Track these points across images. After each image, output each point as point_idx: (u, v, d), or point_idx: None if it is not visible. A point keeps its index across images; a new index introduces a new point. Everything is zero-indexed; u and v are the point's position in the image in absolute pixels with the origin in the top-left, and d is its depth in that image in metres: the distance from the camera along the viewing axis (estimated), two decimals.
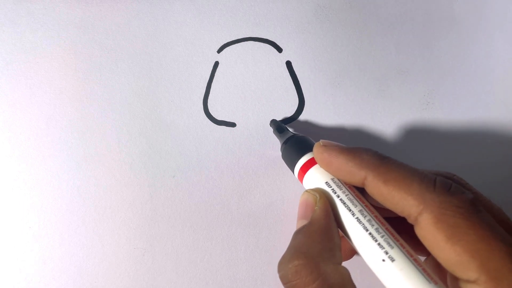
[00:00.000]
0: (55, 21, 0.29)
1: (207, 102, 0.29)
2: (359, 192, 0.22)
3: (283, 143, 0.26)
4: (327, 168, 0.22)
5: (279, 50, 0.30)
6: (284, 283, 0.20)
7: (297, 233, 0.21)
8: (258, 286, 0.28)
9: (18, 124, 0.29)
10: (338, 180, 0.22)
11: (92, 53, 0.29)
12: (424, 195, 0.18)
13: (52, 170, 0.28)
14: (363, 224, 0.21)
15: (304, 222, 0.22)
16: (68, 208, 0.28)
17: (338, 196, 0.22)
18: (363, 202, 0.21)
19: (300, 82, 0.29)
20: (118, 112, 0.29)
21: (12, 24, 0.29)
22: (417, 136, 0.29)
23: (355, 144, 0.29)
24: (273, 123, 0.28)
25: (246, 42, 0.30)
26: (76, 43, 0.29)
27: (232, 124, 0.29)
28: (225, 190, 0.29)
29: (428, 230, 0.18)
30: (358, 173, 0.21)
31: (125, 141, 0.29)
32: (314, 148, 0.23)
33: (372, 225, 0.20)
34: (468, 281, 0.17)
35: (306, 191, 0.23)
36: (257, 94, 0.29)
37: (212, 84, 0.29)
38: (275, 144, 0.29)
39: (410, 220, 0.19)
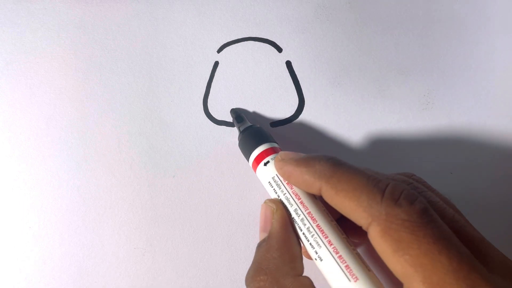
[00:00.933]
0: (55, 21, 0.29)
1: (207, 102, 0.29)
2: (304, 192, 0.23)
3: (240, 133, 0.27)
4: (289, 180, 0.23)
5: (279, 50, 0.30)
6: None
7: (258, 247, 0.22)
8: None
9: (18, 124, 0.29)
10: (279, 179, 0.23)
11: (92, 53, 0.29)
12: (372, 208, 0.18)
13: (52, 170, 0.28)
14: (298, 223, 0.22)
15: (264, 235, 0.22)
16: (68, 208, 0.28)
17: (278, 196, 0.23)
18: (299, 199, 0.22)
19: (300, 82, 0.29)
20: (118, 112, 0.29)
21: (12, 24, 0.29)
22: (417, 136, 0.29)
23: (355, 144, 0.29)
24: (233, 112, 0.28)
25: (246, 42, 0.30)
26: (76, 43, 0.29)
27: (232, 124, 0.29)
28: (225, 190, 0.29)
29: (376, 241, 0.18)
30: (313, 185, 0.21)
31: (125, 141, 0.29)
32: (275, 163, 0.23)
33: (305, 224, 0.21)
34: None
35: (265, 202, 0.23)
36: (257, 94, 0.29)
37: (212, 84, 0.29)
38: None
39: (364, 229, 0.19)
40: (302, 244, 0.22)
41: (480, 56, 0.30)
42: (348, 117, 0.29)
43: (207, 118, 0.29)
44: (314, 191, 0.21)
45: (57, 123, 0.29)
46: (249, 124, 0.27)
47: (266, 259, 0.21)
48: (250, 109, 0.29)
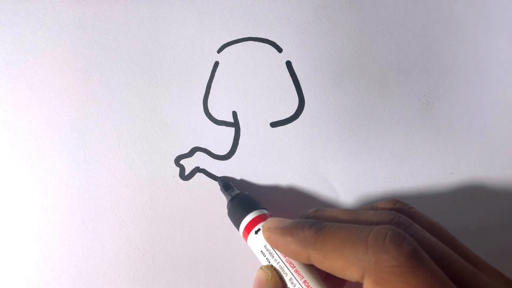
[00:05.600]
0: (55, 21, 0.29)
1: (207, 102, 0.29)
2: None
3: (229, 202, 0.27)
4: (277, 250, 0.23)
5: (279, 50, 0.30)
6: None
7: None
8: None
9: (18, 124, 0.29)
10: (271, 247, 0.23)
11: (92, 53, 0.29)
12: (360, 260, 0.18)
13: (52, 170, 0.28)
14: None
15: None
16: (68, 208, 0.28)
17: (272, 265, 0.23)
18: (293, 268, 0.22)
19: (300, 82, 0.29)
20: (118, 112, 0.29)
21: (12, 24, 0.29)
22: (417, 136, 0.29)
23: (355, 145, 0.29)
24: (220, 180, 0.28)
25: (246, 42, 0.30)
26: (76, 43, 0.29)
27: (232, 124, 0.29)
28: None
29: None
30: (301, 253, 0.21)
31: (125, 141, 0.29)
32: (263, 232, 0.23)
33: None
34: None
35: (261, 268, 0.23)
36: (257, 94, 0.29)
37: (212, 84, 0.29)
38: (274, 144, 0.29)
39: (361, 283, 0.19)
40: None
41: (480, 56, 0.30)
42: (348, 117, 0.29)
43: (207, 118, 0.29)
44: (303, 259, 0.21)
45: (57, 123, 0.29)
46: (237, 191, 0.27)
47: None
48: (250, 109, 0.29)
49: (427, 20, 0.30)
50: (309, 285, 0.21)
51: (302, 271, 0.22)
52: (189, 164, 0.29)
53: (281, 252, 0.22)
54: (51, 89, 0.29)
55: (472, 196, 0.29)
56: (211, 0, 0.30)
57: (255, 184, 0.29)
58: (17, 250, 0.28)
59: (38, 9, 0.29)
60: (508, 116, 0.30)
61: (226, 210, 0.27)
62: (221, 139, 0.29)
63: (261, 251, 0.23)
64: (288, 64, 0.30)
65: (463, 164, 0.30)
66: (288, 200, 0.29)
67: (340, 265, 0.19)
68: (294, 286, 0.22)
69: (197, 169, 0.29)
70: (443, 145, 0.30)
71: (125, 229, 0.28)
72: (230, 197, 0.27)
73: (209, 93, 0.29)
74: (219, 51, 0.29)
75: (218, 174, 0.29)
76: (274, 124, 0.29)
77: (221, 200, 0.28)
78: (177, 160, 0.29)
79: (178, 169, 0.29)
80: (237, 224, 0.26)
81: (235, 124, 0.29)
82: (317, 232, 0.20)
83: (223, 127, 0.29)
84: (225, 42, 0.29)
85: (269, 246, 0.23)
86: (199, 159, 0.29)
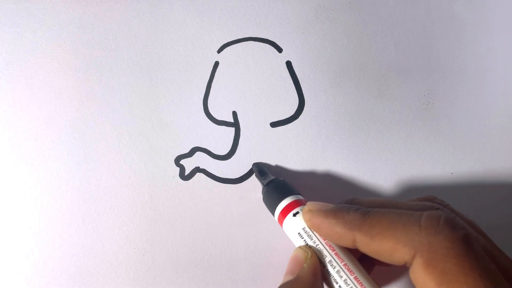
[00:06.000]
0: (55, 21, 0.29)
1: (207, 102, 0.29)
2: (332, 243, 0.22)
3: (264, 186, 0.27)
4: (318, 232, 0.22)
5: (279, 50, 0.30)
6: None
7: (282, 287, 0.22)
8: (258, 286, 0.28)
9: (18, 124, 0.29)
10: (310, 229, 0.23)
11: (92, 53, 0.29)
12: (412, 240, 0.18)
13: (52, 170, 0.28)
14: (333, 275, 0.21)
15: (290, 277, 0.22)
16: (68, 208, 0.28)
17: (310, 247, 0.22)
18: (333, 250, 0.22)
19: (300, 82, 0.29)
20: (118, 112, 0.29)
21: (12, 24, 0.29)
22: (417, 136, 0.29)
23: (355, 145, 0.29)
24: (255, 166, 0.28)
25: (246, 42, 0.30)
26: (76, 43, 0.29)
27: (232, 124, 0.29)
28: (225, 190, 0.29)
29: (419, 275, 0.18)
30: (346, 236, 0.20)
31: (125, 141, 0.29)
32: (303, 214, 0.23)
33: (341, 277, 0.21)
34: None
35: (299, 247, 0.23)
36: (257, 94, 0.29)
37: (212, 84, 0.29)
38: (274, 144, 0.29)
39: (408, 266, 0.19)
40: None
41: (480, 56, 0.30)
42: (348, 117, 0.29)
43: (207, 118, 0.29)
44: (347, 242, 0.21)
45: (57, 123, 0.29)
46: (273, 177, 0.27)
47: None
48: (250, 109, 0.29)
49: (427, 20, 0.30)
50: (349, 268, 0.21)
51: (342, 255, 0.22)
52: (189, 164, 0.29)
53: (322, 234, 0.22)
54: (51, 89, 0.29)
55: (472, 196, 0.29)
56: (211, 0, 0.30)
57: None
58: (17, 250, 0.28)
59: (38, 9, 0.29)
60: (508, 116, 0.30)
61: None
62: (221, 139, 0.29)
63: (299, 233, 0.23)
64: (288, 64, 0.30)
65: (463, 164, 0.30)
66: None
67: (390, 246, 0.19)
68: (334, 268, 0.21)
69: (197, 169, 0.29)
70: (443, 145, 0.30)
71: (125, 229, 0.28)
72: (265, 183, 0.27)
73: (209, 93, 0.29)
74: (219, 51, 0.29)
75: (218, 174, 0.29)
76: (274, 124, 0.29)
77: (221, 200, 0.28)
78: (177, 160, 0.29)
79: (178, 169, 0.29)
80: (273, 208, 0.26)
81: (235, 124, 0.29)
82: (364, 215, 0.20)
83: (223, 127, 0.29)
84: (225, 42, 0.29)
85: (307, 229, 0.23)
86: (199, 159, 0.29)
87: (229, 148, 0.29)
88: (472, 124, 0.30)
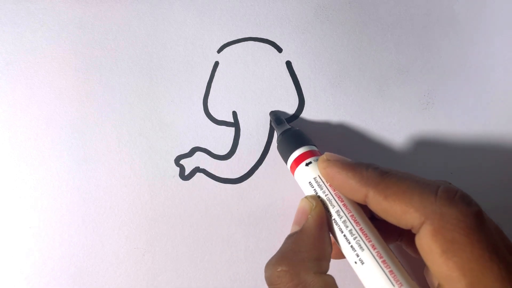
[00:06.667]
0: (55, 21, 0.29)
1: (207, 102, 0.29)
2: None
3: (280, 134, 0.27)
4: (331, 182, 0.22)
5: (279, 50, 0.30)
6: (267, 284, 0.21)
7: (288, 238, 0.22)
8: (258, 286, 0.28)
9: (18, 124, 0.29)
10: (320, 178, 0.23)
11: (92, 53, 0.29)
12: (426, 207, 0.18)
13: (52, 170, 0.28)
14: (339, 225, 0.21)
15: (296, 228, 0.22)
16: (68, 208, 0.28)
17: (319, 197, 0.23)
18: (342, 201, 0.22)
19: (300, 82, 0.29)
20: (118, 112, 0.29)
21: (12, 24, 0.29)
22: (417, 136, 0.29)
23: (355, 144, 0.29)
24: (272, 114, 0.29)
25: (246, 42, 0.30)
26: (76, 43, 0.29)
27: (232, 124, 0.29)
28: (225, 190, 0.29)
29: (425, 241, 0.18)
30: (359, 190, 0.20)
31: (125, 141, 0.29)
32: (319, 162, 0.23)
33: (347, 227, 0.21)
34: None
35: (305, 197, 0.23)
36: (257, 94, 0.29)
37: (212, 84, 0.29)
38: (274, 144, 0.29)
39: (414, 231, 0.19)
40: (339, 246, 0.22)
41: (480, 56, 0.30)
42: (348, 117, 0.29)
43: (207, 118, 0.29)
44: (358, 197, 0.21)
45: (57, 123, 0.29)
46: (289, 126, 0.27)
47: (292, 251, 0.21)
48: (250, 109, 0.29)
49: (427, 20, 0.30)
50: (356, 220, 0.21)
51: (350, 206, 0.22)
52: (189, 164, 0.29)
53: (335, 185, 0.22)
54: (51, 89, 0.29)
55: (472, 196, 0.29)
56: (211, 0, 0.30)
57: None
58: (17, 250, 0.28)
59: (38, 9, 0.29)
60: (508, 116, 0.30)
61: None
62: (221, 139, 0.29)
63: (309, 182, 0.23)
64: (288, 64, 0.30)
65: (463, 165, 0.30)
66: None
67: (401, 208, 0.19)
68: (341, 218, 0.21)
69: (197, 169, 0.29)
70: (443, 145, 0.30)
71: (125, 229, 0.28)
72: (281, 131, 0.27)
73: (209, 93, 0.29)
74: (219, 51, 0.29)
75: (218, 174, 0.29)
76: None
77: (221, 200, 0.28)
78: (177, 160, 0.29)
79: (178, 169, 0.29)
80: (286, 156, 0.26)
81: (235, 124, 0.29)
82: (382, 175, 0.20)
83: (223, 127, 0.29)
84: (225, 42, 0.29)
85: (319, 179, 0.23)
86: (199, 159, 0.29)
87: (229, 148, 0.29)
88: (472, 124, 0.30)
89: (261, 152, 0.29)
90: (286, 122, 0.28)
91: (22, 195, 0.28)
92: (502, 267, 0.16)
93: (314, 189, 0.23)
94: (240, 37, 0.30)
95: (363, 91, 0.29)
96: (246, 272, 0.28)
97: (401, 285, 0.18)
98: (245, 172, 0.29)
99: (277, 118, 0.28)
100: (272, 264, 0.20)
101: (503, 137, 0.30)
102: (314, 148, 0.25)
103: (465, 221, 0.17)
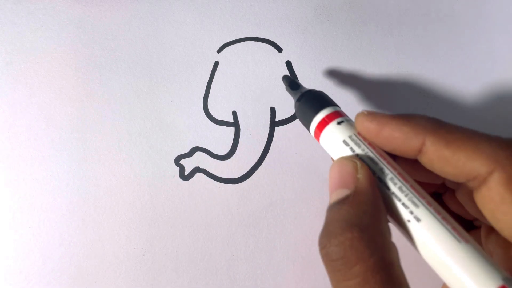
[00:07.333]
0: (55, 21, 0.29)
1: (207, 102, 0.29)
2: (381, 150, 0.20)
3: (297, 100, 0.24)
4: (375, 138, 0.19)
5: (279, 50, 0.30)
6: (331, 260, 0.16)
7: (341, 203, 0.18)
8: (258, 286, 0.28)
9: (18, 124, 0.29)
10: (356, 137, 0.20)
11: (92, 53, 0.29)
12: (497, 153, 0.16)
13: (52, 170, 0.28)
14: (385, 183, 0.19)
15: (345, 191, 0.18)
16: (68, 208, 0.28)
17: (357, 155, 0.20)
18: (385, 159, 0.19)
19: (300, 82, 0.29)
20: (118, 112, 0.29)
21: (12, 24, 0.29)
22: None
23: None
24: (286, 79, 0.26)
25: (246, 42, 0.30)
26: (76, 43, 0.29)
27: (232, 124, 0.29)
28: (225, 190, 0.29)
29: (496, 191, 0.16)
30: (415, 139, 0.18)
31: (125, 141, 0.29)
32: (357, 118, 0.20)
33: (395, 184, 0.18)
34: None
35: (343, 157, 0.20)
36: (257, 94, 0.29)
37: (212, 84, 0.29)
38: (274, 144, 0.29)
39: (473, 184, 0.17)
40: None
41: (480, 56, 0.30)
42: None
43: (207, 118, 0.29)
44: (411, 147, 0.18)
45: (57, 123, 0.29)
46: (307, 88, 0.25)
47: (357, 215, 0.17)
48: (250, 109, 0.29)
49: (427, 20, 0.30)
50: (404, 177, 0.19)
51: (395, 164, 0.19)
52: (189, 164, 0.29)
53: (381, 139, 0.19)
54: (51, 89, 0.29)
55: None
56: (211, 0, 0.30)
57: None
58: (17, 250, 0.28)
59: (38, 9, 0.29)
60: (508, 116, 0.30)
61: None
62: (221, 139, 0.29)
63: (344, 140, 0.20)
64: (288, 64, 0.30)
65: None
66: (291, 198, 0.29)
67: (467, 155, 0.17)
68: (387, 175, 0.19)
69: (197, 169, 0.29)
70: None
71: (125, 229, 0.28)
72: (299, 94, 0.24)
73: (209, 93, 0.29)
74: (219, 51, 0.29)
75: (218, 174, 0.29)
76: (274, 124, 0.29)
77: (221, 200, 0.28)
78: (177, 160, 0.29)
79: (178, 169, 0.29)
80: (311, 116, 0.22)
81: (235, 124, 0.29)
82: (440, 121, 0.18)
83: (223, 127, 0.29)
84: (225, 42, 0.29)
85: (354, 137, 0.20)
86: (199, 159, 0.29)
87: (229, 148, 0.29)
88: (472, 124, 0.30)
89: (261, 152, 0.29)
90: (302, 85, 0.25)
91: (22, 195, 0.28)
92: None
93: (351, 147, 0.20)
94: (240, 37, 0.30)
95: (363, 91, 0.29)
96: (246, 272, 0.28)
97: (467, 241, 0.16)
98: (245, 172, 0.29)
99: (291, 82, 0.25)
100: (337, 233, 0.17)
101: (503, 137, 0.30)
102: (340, 110, 0.23)
103: None
